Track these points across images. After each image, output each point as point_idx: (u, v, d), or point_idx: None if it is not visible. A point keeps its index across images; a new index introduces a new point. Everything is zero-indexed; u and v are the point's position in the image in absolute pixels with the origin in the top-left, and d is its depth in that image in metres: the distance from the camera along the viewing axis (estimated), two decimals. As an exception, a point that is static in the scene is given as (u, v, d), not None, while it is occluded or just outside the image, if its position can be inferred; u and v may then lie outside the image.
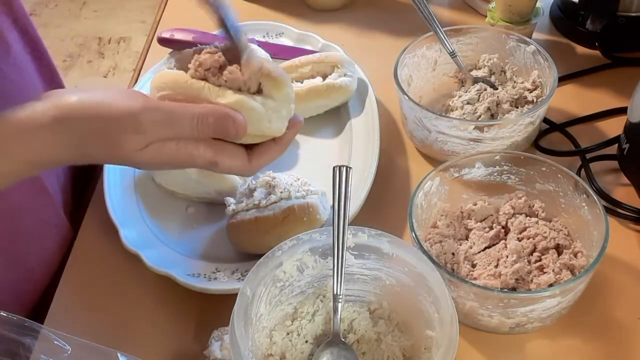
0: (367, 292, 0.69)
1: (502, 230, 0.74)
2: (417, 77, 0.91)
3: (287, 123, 0.67)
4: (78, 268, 0.79)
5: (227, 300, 0.66)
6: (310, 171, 0.82)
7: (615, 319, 0.71)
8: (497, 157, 0.75)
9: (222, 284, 0.72)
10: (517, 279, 0.69)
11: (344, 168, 0.65)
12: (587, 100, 0.94)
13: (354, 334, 0.67)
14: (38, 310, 0.76)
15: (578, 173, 0.83)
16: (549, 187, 0.74)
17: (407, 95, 0.82)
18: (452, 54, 0.89)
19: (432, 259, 0.64)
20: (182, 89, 0.64)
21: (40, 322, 0.68)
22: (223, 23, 0.65)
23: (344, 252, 0.63)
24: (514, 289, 0.68)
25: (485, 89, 0.88)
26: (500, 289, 0.67)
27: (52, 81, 0.88)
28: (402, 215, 0.73)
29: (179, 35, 0.99)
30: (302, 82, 0.89)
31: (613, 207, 0.79)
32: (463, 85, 0.92)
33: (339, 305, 0.63)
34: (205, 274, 0.74)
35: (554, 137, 0.89)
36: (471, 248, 0.73)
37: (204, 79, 0.64)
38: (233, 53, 0.65)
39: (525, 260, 0.70)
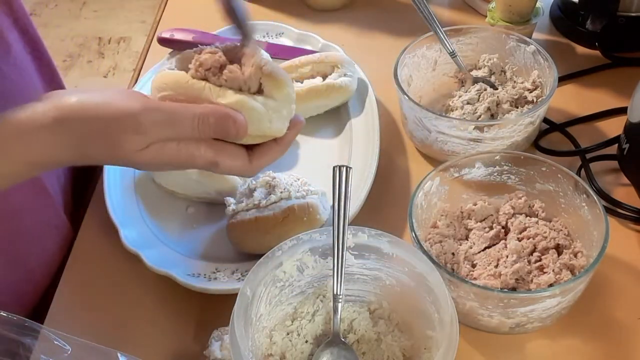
0: (367, 292, 0.69)
1: (502, 230, 0.74)
2: (417, 77, 0.91)
3: (288, 123, 0.67)
4: (78, 268, 0.79)
5: (227, 300, 0.66)
6: (310, 171, 0.82)
7: (615, 319, 0.71)
8: (497, 157, 0.75)
9: (222, 284, 0.72)
10: (517, 279, 0.69)
11: (344, 168, 0.65)
12: (587, 100, 0.94)
13: (354, 334, 0.67)
14: (38, 310, 0.76)
15: (578, 173, 0.83)
16: (549, 187, 0.74)
17: (407, 95, 0.82)
18: (452, 54, 0.89)
19: (432, 259, 0.64)
20: (183, 89, 0.64)
21: (40, 322, 0.68)
22: (231, 10, 0.64)
23: (344, 252, 0.63)
24: (514, 289, 0.68)
25: (485, 89, 0.88)
26: (500, 289, 0.67)
27: (52, 81, 0.88)
28: (402, 215, 0.73)
29: (179, 35, 1.00)
30: (302, 82, 0.89)
31: (613, 207, 0.79)
32: (463, 85, 0.92)
33: (339, 305, 0.63)
34: (205, 274, 0.74)
35: (554, 137, 0.89)
36: (471, 248, 0.73)
37: (205, 79, 0.64)
38: (234, 53, 0.65)
39: (525, 260, 0.70)
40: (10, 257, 0.75)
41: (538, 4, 0.97)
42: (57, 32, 2.82)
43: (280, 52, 0.97)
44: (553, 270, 0.68)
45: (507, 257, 0.70)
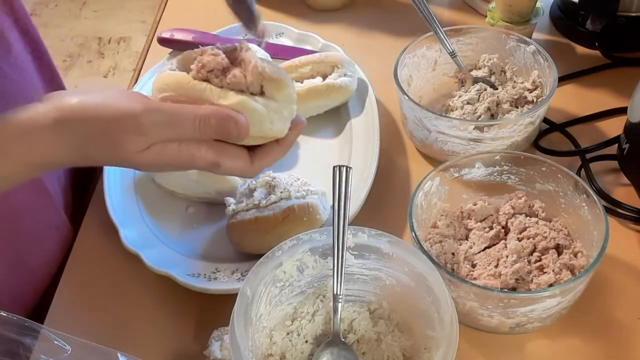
0: (367, 292, 0.69)
1: (502, 230, 0.74)
2: (417, 77, 0.91)
3: (289, 124, 0.67)
4: (78, 268, 0.79)
5: (227, 300, 0.66)
6: (310, 171, 0.82)
7: (615, 319, 0.71)
8: (497, 157, 0.75)
9: (222, 284, 0.72)
10: (517, 279, 0.69)
11: (344, 168, 0.65)
12: (587, 100, 0.94)
13: (354, 334, 0.67)
14: (38, 310, 0.76)
15: (578, 173, 0.83)
16: (549, 187, 0.74)
17: (407, 95, 0.82)
18: (452, 54, 0.89)
19: (432, 259, 0.64)
20: (184, 90, 0.64)
21: (40, 322, 0.68)
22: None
23: (344, 252, 0.63)
24: (514, 289, 0.68)
25: (485, 89, 0.88)
26: (500, 289, 0.67)
27: (52, 81, 0.88)
28: (402, 215, 0.73)
29: (179, 35, 1.00)
30: (302, 82, 0.89)
31: (613, 207, 0.79)
32: (463, 85, 0.92)
33: (339, 305, 0.63)
34: (205, 274, 0.74)
35: (554, 137, 0.89)
36: (471, 248, 0.73)
37: (206, 80, 0.64)
38: (234, 54, 0.65)
39: (525, 260, 0.70)
40: (10, 257, 0.75)
41: (538, 4, 0.97)
42: (57, 32, 2.82)
43: (280, 52, 0.97)
44: (553, 270, 0.69)
45: (507, 257, 0.70)
